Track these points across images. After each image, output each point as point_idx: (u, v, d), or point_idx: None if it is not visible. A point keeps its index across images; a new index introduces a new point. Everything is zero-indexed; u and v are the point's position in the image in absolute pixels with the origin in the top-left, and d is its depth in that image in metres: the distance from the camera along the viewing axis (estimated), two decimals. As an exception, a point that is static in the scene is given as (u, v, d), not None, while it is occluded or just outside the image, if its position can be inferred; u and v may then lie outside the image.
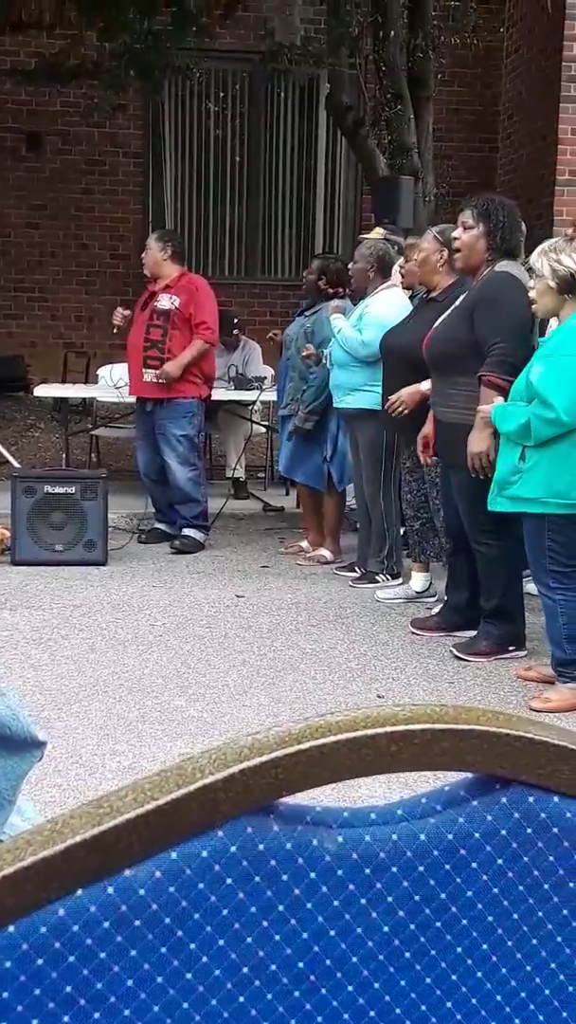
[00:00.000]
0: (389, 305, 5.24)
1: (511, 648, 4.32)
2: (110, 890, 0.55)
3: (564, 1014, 0.68)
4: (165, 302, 6.21)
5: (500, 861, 0.64)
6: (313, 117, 10.10)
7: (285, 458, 6.04)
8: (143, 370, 6.22)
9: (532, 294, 3.81)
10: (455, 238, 4.33)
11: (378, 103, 8.40)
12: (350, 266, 5.66)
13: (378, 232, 5.85)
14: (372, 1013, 0.63)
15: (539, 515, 3.68)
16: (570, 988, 0.68)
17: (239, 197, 10.31)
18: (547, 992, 0.67)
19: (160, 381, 6.16)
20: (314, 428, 5.78)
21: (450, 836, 0.62)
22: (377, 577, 5.48)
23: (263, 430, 8.14)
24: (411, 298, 5.39)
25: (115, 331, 6.47)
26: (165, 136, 10.14)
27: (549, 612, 3.79)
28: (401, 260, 5.43)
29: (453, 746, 0.61)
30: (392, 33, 7.98)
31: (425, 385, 4.54)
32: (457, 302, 4.34)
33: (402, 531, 5.68)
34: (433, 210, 8.25)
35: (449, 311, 4.36)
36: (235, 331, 7.64)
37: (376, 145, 8.30)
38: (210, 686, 3.93)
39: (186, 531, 6.33)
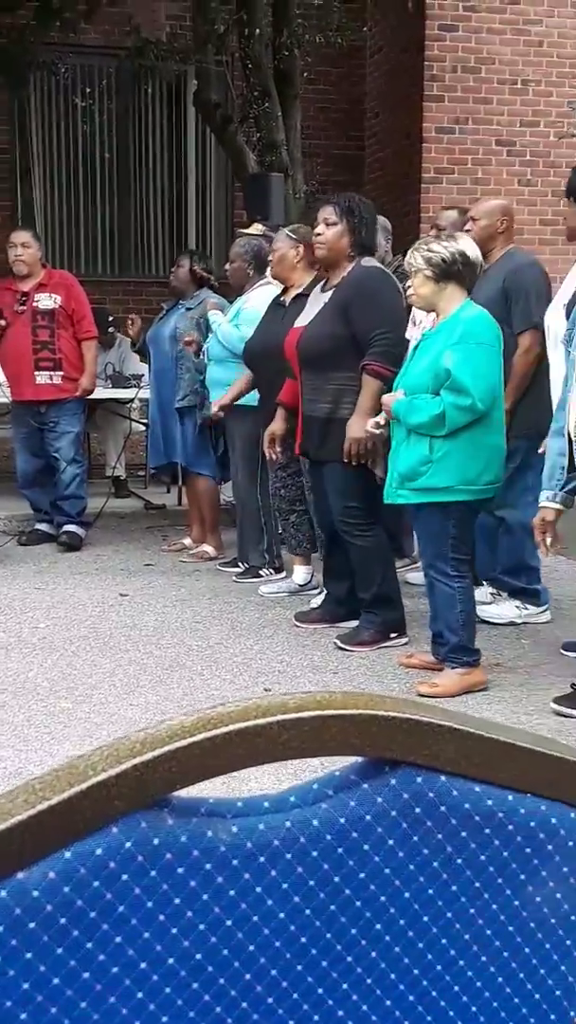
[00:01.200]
0: (265, 301, 5.26)
1: (393, 635, 4.40)
2: (3, 894, 0.54)
3: (455, 988, 0.70)
4: (47, 301, 6.12)
5: (391, 842, 0.65)
6: (182, 114, 10.04)
7: (185, 451, 5.97)
8: (35, 372, 6.12)
9: (410, 290, 3.87)
10: (317, 234, 4.39)
11: (246, 100, 8.40)
12: (227, 266, 5.66)
13: (256, 228, 5.87)
14: (270, 1000, 0.63)
15: (444, 504, 3.73)
16: (461, 962, 0.70)
17: (110, 194, 10.18)
18: (439, 968, 0.69)
19: (55, 383, 6.10)
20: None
21: (342, 820, 0.64)
22: (260, 571, 5.51)
23: (142, 428, 8.08)
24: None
25: None
26: (32, 132, 9.95)
27: (446, 599, 3.84)
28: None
29: (342, 731, 0.62)
30: (257, 31, 7.99)
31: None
32: (326, 299, 4.40)
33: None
34: (304, 207, 8.30)
35: (319, 309, 4.41)
36: (110, 328, 7.56)
37: (245, 142, 8.31)
38: (96, 687, 3.88)
39: (68, 528, 6.27)
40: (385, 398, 3.91)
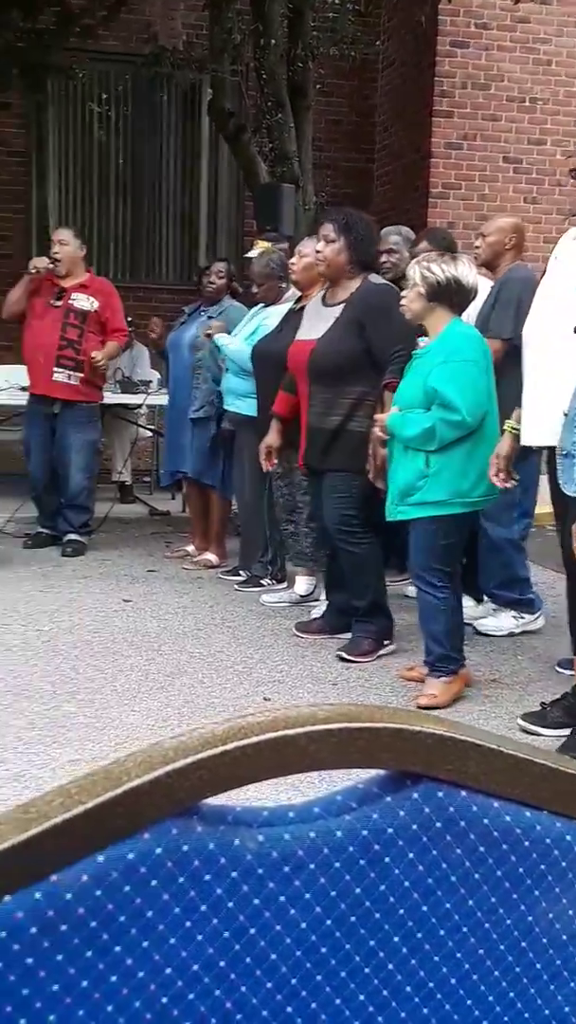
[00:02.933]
0: (282, 314, 5.27)
1: (386, 642, 4.45)
2: (37, 895, 0.55)
3: (469, 1002, 0.71)
4: (84, 302, 6.09)
5: (411, 855, 0.66)
6: (196, 122, 10.09)
7: (195, 462, 5.95)
8: (54, 368, 6.05)
9: (404, 300, 3.92)
10: (317, 251, 4.45)
11: (259, 110, 8.43)
12: (254, 288, 5.64)
13: (262, 246, 5.86)
14: (289, 1009, 0.64)
15: (432, 518, 3.79)
16: (475, 976, 0.71)
17: (123, 199, 10.22)
18: (454, 981, 0.70)
19: (71, 383, 6.06)
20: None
21: (365, 832, 0.64)
22: (262, 581, 5.51)
23: (149, 434, 8.09)
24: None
25: (34, 269, 6.07)
26: (49, 136, 9.99)
27: (431, 610, 3.89)
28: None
29: (368, 744, 0.63)
30: (272, 42, 8.03)
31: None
32: (335, 314, 4.41)
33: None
34: (313, 218, 8.32)
35: (330, 324, 4.42)
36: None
37: (258, 152, 8.34)
38: (98, 691, 3.89)
39: (72, 536, 6.25)
40: (379, 416, 3.99)
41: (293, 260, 5.03)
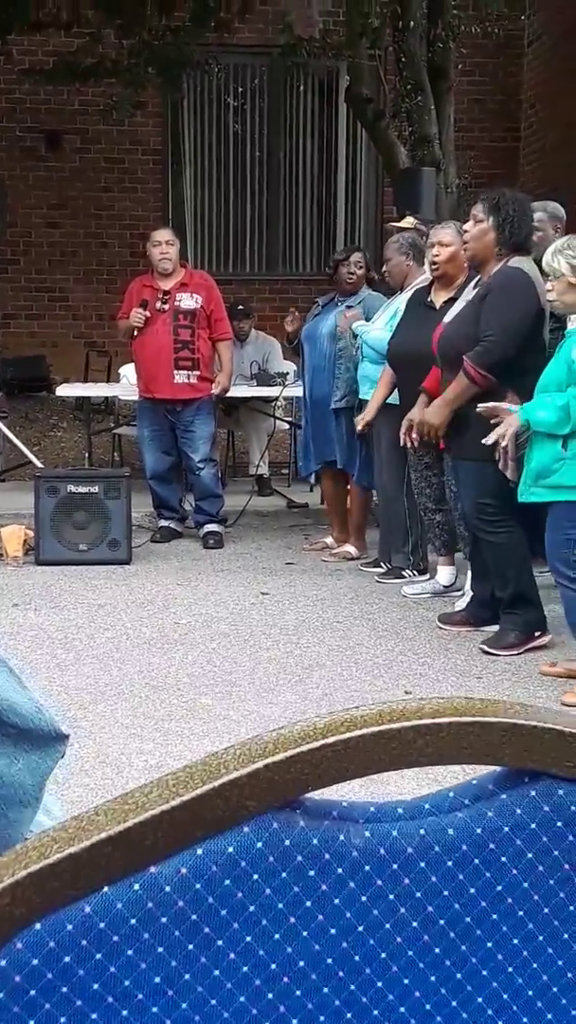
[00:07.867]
0: None
1: (537, 633, 4.33)
2: (136, 887, 0.55)
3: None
4: (189, 301, 6.19)
5: (530, 855, 0.63)
6: (333, 110, 10.08)
7: (341, 451, 5.89)
8: (174, 372, 6.18)
9: (551, 294, 3.80)
10: (465, 231, 4.36)
11: (398, 94, 8.36)
12: (384, 267, 5.61)
13: (408, 222, 5.81)
14: (402, 1009, 0.62)
15: (569, 504, 3.68)
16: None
17: (259, 192, 10.30)
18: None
19: (191, 383, 6.18)
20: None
21: (479, 830, 0.62)
22: (403, 572, 5.47)
23: (286, 426, 8.13)
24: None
25: (135, 334, 6.26)
26: (184, 132, 10.15)
27: (570, 602, 3.79)
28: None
29: (481, 739, 0.61)
30: (412, 23, 7.94)
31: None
32: (467, 297, 4.34)
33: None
34: (456, 201, 8.20)
35: (461, 307, 4.35)
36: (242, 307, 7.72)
37: (397, 137, 8.26)
38: (236, 684, 3.93)
39: (210, 527, 6.34)
40: (495, 405, 3.91)
41: (436, 252, 4.94)
